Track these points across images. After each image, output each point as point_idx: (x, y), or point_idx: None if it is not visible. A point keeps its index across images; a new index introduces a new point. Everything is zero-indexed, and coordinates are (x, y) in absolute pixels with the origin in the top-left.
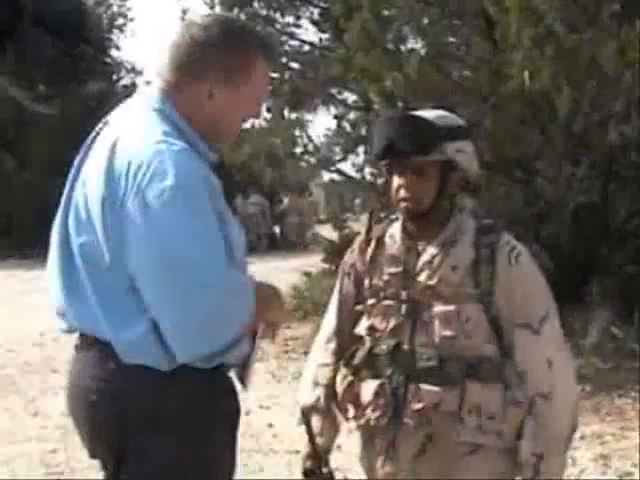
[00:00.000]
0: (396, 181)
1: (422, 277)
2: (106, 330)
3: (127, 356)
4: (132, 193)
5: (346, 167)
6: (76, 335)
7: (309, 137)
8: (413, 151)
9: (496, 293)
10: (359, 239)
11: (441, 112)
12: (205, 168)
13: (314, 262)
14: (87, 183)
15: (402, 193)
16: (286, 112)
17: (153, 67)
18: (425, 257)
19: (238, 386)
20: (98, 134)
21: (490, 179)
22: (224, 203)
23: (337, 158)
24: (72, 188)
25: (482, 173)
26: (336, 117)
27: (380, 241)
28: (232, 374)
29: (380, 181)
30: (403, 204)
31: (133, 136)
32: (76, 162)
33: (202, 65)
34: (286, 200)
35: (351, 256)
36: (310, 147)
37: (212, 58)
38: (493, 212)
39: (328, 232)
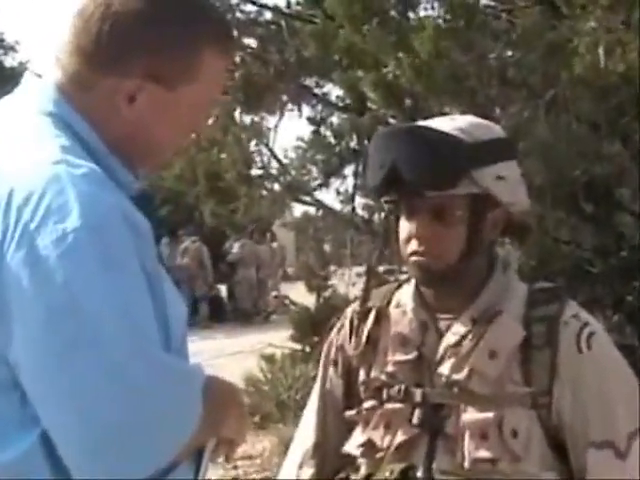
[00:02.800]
0: (405, 227)
1: (445, 368)
2: None
3: None
4: (15, 239)
5: (328, 196)
6: None
7: (272, 152)
8: (429, 183)
9: (557, 394)
10: (351, 310)
11: (470, 119)
12: (126, 202)
13: (279, 340)
14: None
15: (414, 245)
16: (237, 115)
17: (51, 50)
18: (450, 338)
19: None
20: None
21: (544, 216)
22: (155, 258)
23: (314, 183)
24: None
25: (533, 208)
26: (312, 122)
27: (383, 313)
28: None
29: (380, 220)
30: (416, 260)
31: (15, 154)
32: None
33: (121, 51)
34: (237, 246)
35: (339, 335)
36: (273, 167)
37: (137, 42)
38: (549, 267)
39: (300, 295)
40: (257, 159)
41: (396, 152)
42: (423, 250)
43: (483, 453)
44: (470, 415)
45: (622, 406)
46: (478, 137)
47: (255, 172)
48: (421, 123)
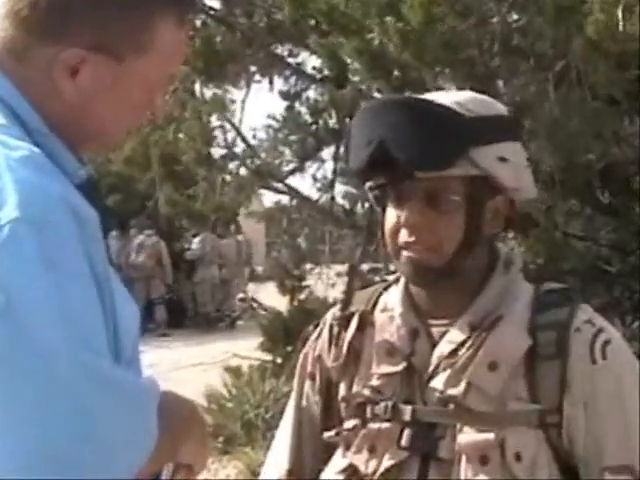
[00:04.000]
0: (393, 215)
1: (439, 382)
2: None
3: None
4: None
5: (303, 183)
6: None
7: (237, 130)
8: (421, 162)
9: (568, 411)
10: (330, 315)
11: (470, 94)
12: (72, 192)
13: (246, 350)
14: None
15: (404, 236)
16: (197, 87)
17: None
18: (444, 348)
19: None
20: None
21: (553, 207)
22: (105, 257)
23: (287, 168)
24: None
25: (540, 197)
26: (285, 96)
27: (367, 319)
28: None
29: (363, 211)
30: (406, 254)
31: None
32: None
33: (60, 16)
34: (197, 241)
35: (316, 344)
36: (239, 148)
37: (79, 6)
38: (559, 265)
39: (271, 297)
40: (220, 138)
41: (384, 127)
42: (414, 241)
43: (483, 478)
44: (467, 436)
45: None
46: (478, 112)
47: (218, 153)
48: (413, 96)
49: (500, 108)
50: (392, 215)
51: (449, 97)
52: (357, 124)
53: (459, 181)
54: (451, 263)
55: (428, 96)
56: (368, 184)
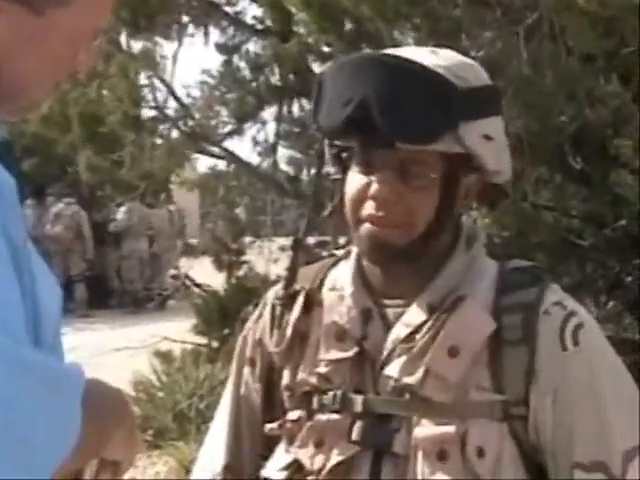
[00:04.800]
0: (359, 183)
1: (393, 369)
2: None
3: None
4: None
5: (242, 147)
6: None
7: (169, 88)
8: (406, 132)
9: (536, 402)
10: (272, 294)
11: (453, 56)
12: None
13: (178, 333)
14: None
15: (370, 208)
16: (123, 40)
17: None
18: (400, 331)
19: None
20: None
21: (522, 174)
22: (24, 229)
23: (224, 130)
24: None
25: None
26: (222, 49)
27: (313, 298)
28: None
29: (310, 178)
30: (368, 227)
31: None
32: None
33: None
34: (123, 211)
35: (256, 326)
36: (171, 107)
37: None
38: (527, 240)
39: (206, 274)
40: (149, 97)
41: (367, 86)
42: (382, 216)
43: (441, 477)
44: (425, 429)
45: (617, 418)
46: (470, 82)
47: (147, 114)
48: (399, 53)
49: (484, 76)
50: (357, 182)
51: (434, 59)
52: (333, 79)
53: (438, 157)
54: (416, 244)
55: (403, 53)
56: (335, 143)
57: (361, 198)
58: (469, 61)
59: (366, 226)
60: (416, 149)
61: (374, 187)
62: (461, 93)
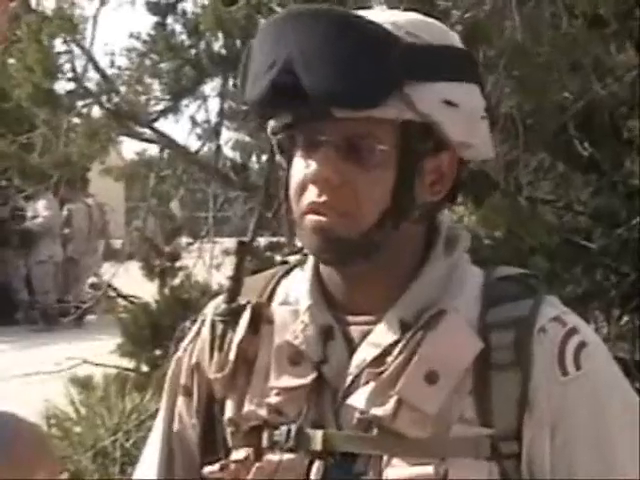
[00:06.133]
0: (301, 167)
1: (359, 399)
2: None
3: None
4: None
5: (177, 129)
6: None
7: (89, 56)
8: (340, 94)
9: (531, 436)
10: (212, 308)
11: (416, 17)
12: None
13: (99, 354)
14: None
15: (312, 194)
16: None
17: None
18: (366, 352)
19: None
20: None
21: (515, 162)
22: None
23: (156, 107)
24: None
25: (500, 148)
26: (154, 9)
27: (262, 314)
28: None
29: (260, 166)
30: (311, 219)
31: None
32: None
33: None
34: (42, 206)
35: (193, 347)
36: (92, 80)
37: None
38: (522, 242)
39: (133, 283)
40: (66, 67)
41: (293, 44)
42: (324, 202)
43: None
44: (397, 470)
45: (624, 451)
46: (421, 38)
47: (63, 87)
48: (334, 8)
49: (453, 39)
50: (299, 167)
51: (385, 16)
52: (258, 42)
53: (389, 126)
54: (369, 235)
55: (361, 12)
56: (270, 125)
57: (303, 185)
58: (430, 20)
59: (308, 217)
60: (361, 118)
61: (313, 168)
62: (407, 48)
